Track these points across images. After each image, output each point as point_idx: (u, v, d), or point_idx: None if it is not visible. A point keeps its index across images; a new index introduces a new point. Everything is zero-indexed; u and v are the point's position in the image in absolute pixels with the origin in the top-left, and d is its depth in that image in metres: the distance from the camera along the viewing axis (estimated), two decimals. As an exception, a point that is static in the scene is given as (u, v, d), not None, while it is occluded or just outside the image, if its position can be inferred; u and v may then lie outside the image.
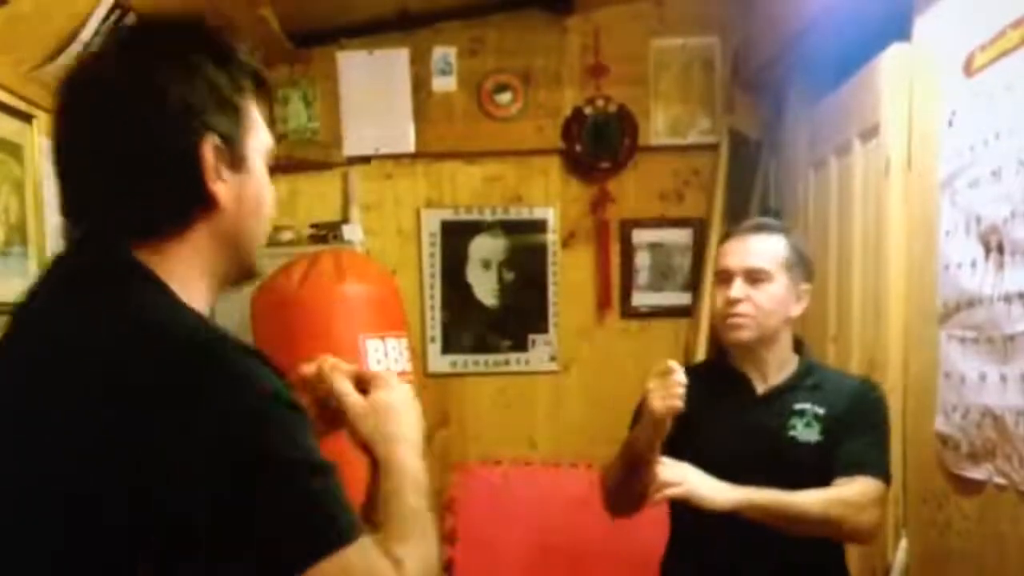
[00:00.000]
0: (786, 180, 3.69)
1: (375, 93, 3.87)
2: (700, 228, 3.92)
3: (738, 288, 2.11)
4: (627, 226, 3.95)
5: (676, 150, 3.94)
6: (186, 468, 0.94)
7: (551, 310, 3.97)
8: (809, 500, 1.97)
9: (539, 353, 3.97)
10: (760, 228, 2.22)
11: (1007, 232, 2.05)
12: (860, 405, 2.12)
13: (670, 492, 1.99)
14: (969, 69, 2.23)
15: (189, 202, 1.08)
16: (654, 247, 3.97)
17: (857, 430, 2.07)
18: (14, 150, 2.60)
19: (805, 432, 2.09)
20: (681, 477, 2.00)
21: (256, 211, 1.14)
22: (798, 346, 2.22)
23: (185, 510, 0.93)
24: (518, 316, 3.98)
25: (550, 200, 3.97)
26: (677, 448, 2.12)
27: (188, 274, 1.10)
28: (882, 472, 2.06)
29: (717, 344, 2.30)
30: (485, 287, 3.98)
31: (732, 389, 2.18)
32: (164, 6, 2.94)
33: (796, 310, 2.16)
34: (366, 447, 1.19)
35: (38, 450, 0.99)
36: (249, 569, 0.96)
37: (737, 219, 3.83)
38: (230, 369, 0.99)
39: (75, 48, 2.66)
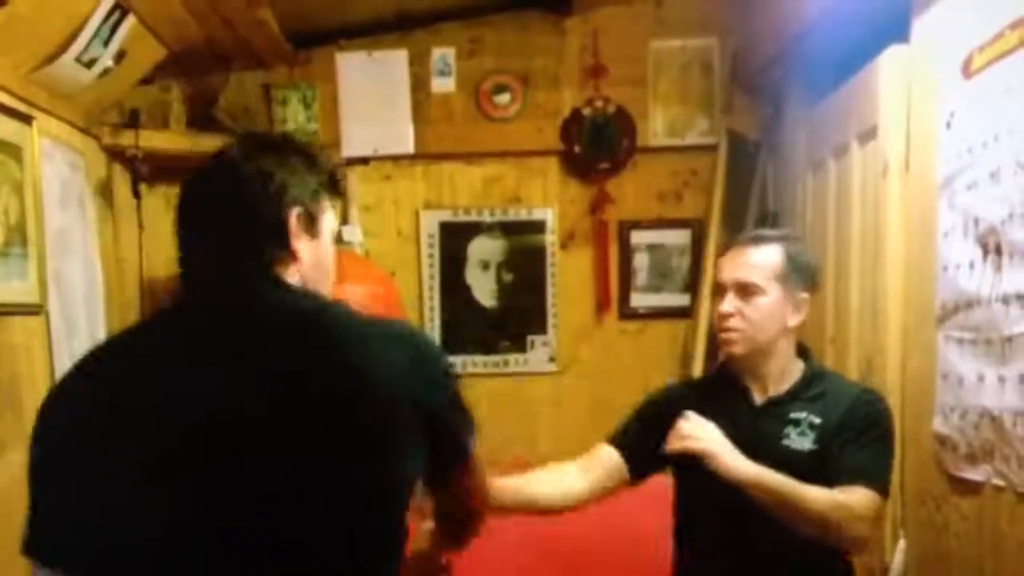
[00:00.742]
0: (784, 181, 3.70)
1: (374, 94, 3.88)
2: (699, 229, 3.92)
3: (729, 302, 2.12)
4: (626, 227, 3.96)
5: (675, 151, 3.94)
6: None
7: (550, 311, 3.98)
8: (816, 495, 1.97)
9: (538, 354, 3.97)
10: (757, 240, 2.20)
11: (1005, 233, 2.05)
12: (860, 414, 2.10)
13: (689, 445, 2.04)
14: (967, 71, 2.23)
15: (280, 251, 1.46)
16: (653, 248, 3.97)
17: (858, 440, 2.06)
18: (14, 151, 2.60)
19: (798, 440, 2.08)
20: (702, 434, 2.04)
21: (324, 272, 1.53)
22: (803, 353, 2.20)
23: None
24: (517, 317, 3.98)
25: (549, 201, 3.97)
26: (677, 460, 2.16)
27: None
28: (880, 484, 2.04)
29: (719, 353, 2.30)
30: (484, 288, 3.98)
31: (732, 400, 2.17)
32: (164, 10, 2.95)
33: (794, 320, 2.14)
34: None
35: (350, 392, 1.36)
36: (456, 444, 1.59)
37: (736, 220, 3.85)
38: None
39: (75, 49, 2.67)
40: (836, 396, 2.14)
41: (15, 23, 2.41)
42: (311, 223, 1.48)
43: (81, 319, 3.08)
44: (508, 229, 3.97)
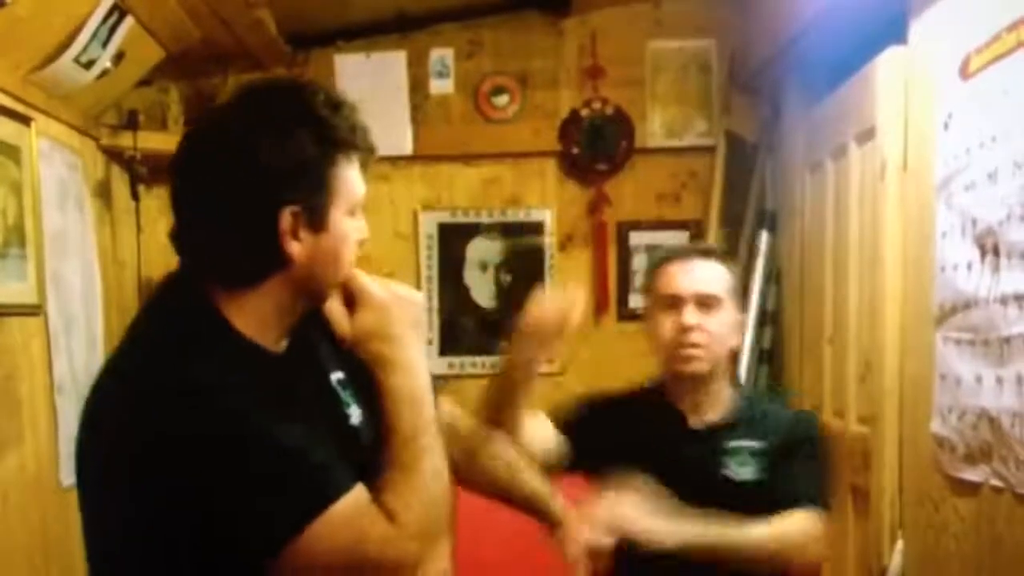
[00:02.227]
0: (783, 182, 3.70)
1: (372, 95, 3.86)
2: (697, 230, 3.92)
3: (691, 314, 1.99)
4: (624, 228, 3.96)
5: (673, 152, 3.94)
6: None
7: (548, 312, 3.97)
8: (753, 537, 1.88)
9: (536, 355, 3.97)
10: (707, 253, 2.12)
11: (1003, 234, 2.05)
12: (795, 436, 2.05)
13: (631, 533, 1.82)
14: (965, 72, 2.24)
15: (265, 260, 1.21)
16: (651, 249, 3.96)
17: (793, 463, 2.00)
18: (12, 152, 2.60)
19: (740, 471, 2.00)
20: (617, 518, 1.83)
21: (332, 263, 1.25)
22: (732, 379, 2.14)
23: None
24: (515, 318, 3.97)
25: (547, 202, 3.97)
26: (600, 479, 2.02)
27: (261, 316, 1.24)
28: (818, 504, 1.97)
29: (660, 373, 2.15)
30: (482, 289, 3.98)
31: (664, 424, 2.07)
32: (163, 11, 2.95)
33: (736, 340, 2.09)
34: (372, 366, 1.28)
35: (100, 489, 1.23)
36: (245, 543, 1.12)
37: (734, 221, 3.85)
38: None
39: (73, 51, 2.67)
40: (774, 420, 2.08)
41: (14, 24, 2.41)
42: (314, 217, 1.20)
43: (79, 320, 3.08)
44: (507, 230, 3.97)
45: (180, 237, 1.25)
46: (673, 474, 1.94)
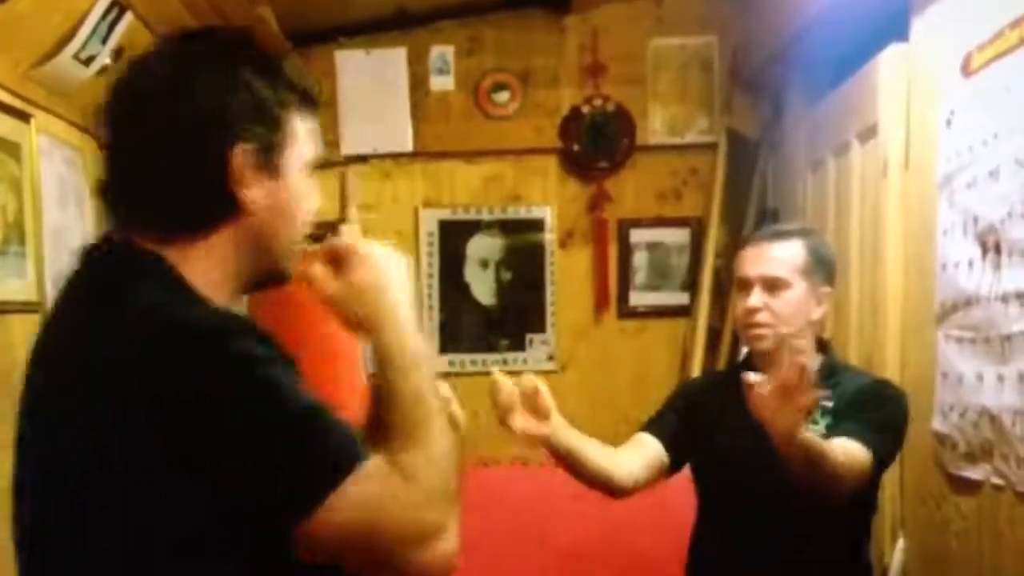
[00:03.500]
0: (784, 180, 3.69)
1: (373, 92, 3.87)
2: (698, 228, 3.92)
3: (756, 297, 2.11)
4: (625, 226, 3.95)
5: (674, 150, 3.94)
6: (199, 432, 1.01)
7: (549, 310, 3.97)
8: (833, 446, 1.94)
9: (537, 353, 3.97)
10: (777, 235, 2.21)
11: (1004, 232, 2.05)
12: (866, 394, 2.11)
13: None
14: (967, 69, 2.23)
15: (214, 205, 1.12)
16: (652, 247, 3.97)
17: (858, 414, 2.05)
18: (12, 149, 2.60)
19: (812, 428, 2.06)
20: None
21: (289, 218, 1.17)
22: (822, 347, 2.21)
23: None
24: (516, 315, 3.98)
25: (548, 199, 3.97)
26: (696, 448, 2.21)
27: (211, 275, 1.14)
28: (873, 448, 1.99)
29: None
30: (483, 286, 3.98)
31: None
32: (163, 7, 2.95)
33: (817, 313, 2.15)
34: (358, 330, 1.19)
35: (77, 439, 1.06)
36: (267, 512, 1.02)
37: (735, 219, 3.85)
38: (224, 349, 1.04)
39: (73, 47, 2.66)
40: (851, 382, 2.15)
41: (13, 21, 2.41)
42: (268, 159, 1.13)
43: (79, 317, 3.07)
44: (507, 227, 3.96)
45: (116, 191, 1.15)
46: (754, 434, 2.01)
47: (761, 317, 2.11)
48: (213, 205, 1.12)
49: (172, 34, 1.19)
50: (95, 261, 1.16)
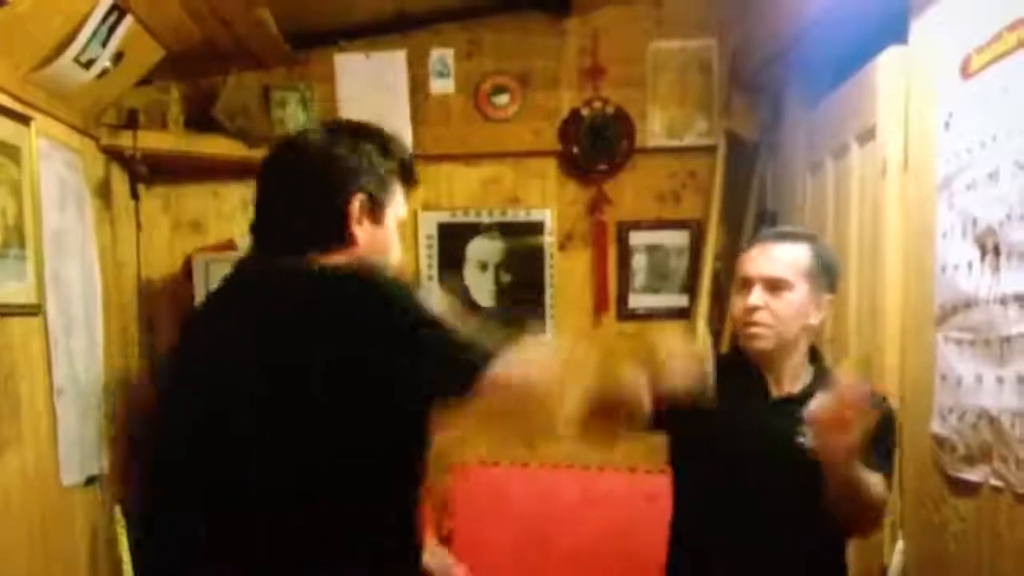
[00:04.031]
0: (783, 182, 3.70)
1: (373, 95, 3.87)
2: (697, 230, 3.92)
3: (756, 296, 2.11)
4: (624, 228, 3.96)
5: (673, 152, 3.94)
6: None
7: (548, 312, 3.98)
8: (875, 481, 1.99)
9: (536, 355, 3.96)
10: (783, 236, 2.21)
11: (1003, 234, 2.05)
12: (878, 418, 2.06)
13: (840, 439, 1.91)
14: (966, 71, 2.23)
15: (336, 236, 1.55)
16: (651, 249, 3.97)
17: (875, 444, 2.03)
18: (12, 152, 2.60)
19: (802, 439, 2.06)
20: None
21: (383, 254, 1.59)
22: (814, 355, 2.20)
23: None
24: (515, 318, 3.98)
25: (547, 202, 3.97)
26: (691, 434, 2.16)
27: None
28: (889, 478, 2.07)
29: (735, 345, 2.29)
30: (482, 289, 3.98)
31: (748, 389, 2.17)
32: (163, 10, 2.95)
33: (815, 319, 2.15)
34: None
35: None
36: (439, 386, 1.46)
37: (734, 221, 3.86)
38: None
39: (73, 50, 2.67)
40: None
41: (13, 24, 2.41)
42: (375, 209, 1.56)
43: (79, 319, 3.08)
44: (506, 230, 3.97)
45: (270, 224, 1.59)
46: (752, 438, 2.08)
47: (760, 316, 2.11)
48: (335, 236, 1.55)
49: (325, 122, 1.71)
50: (262, 271, 1.57)
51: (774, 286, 2.11)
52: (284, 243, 1.56)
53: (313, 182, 1.56)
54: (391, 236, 1.61)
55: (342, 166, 1.56)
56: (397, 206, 1.62)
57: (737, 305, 2.18)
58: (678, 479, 2.26)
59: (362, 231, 1.55)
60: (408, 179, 1.64)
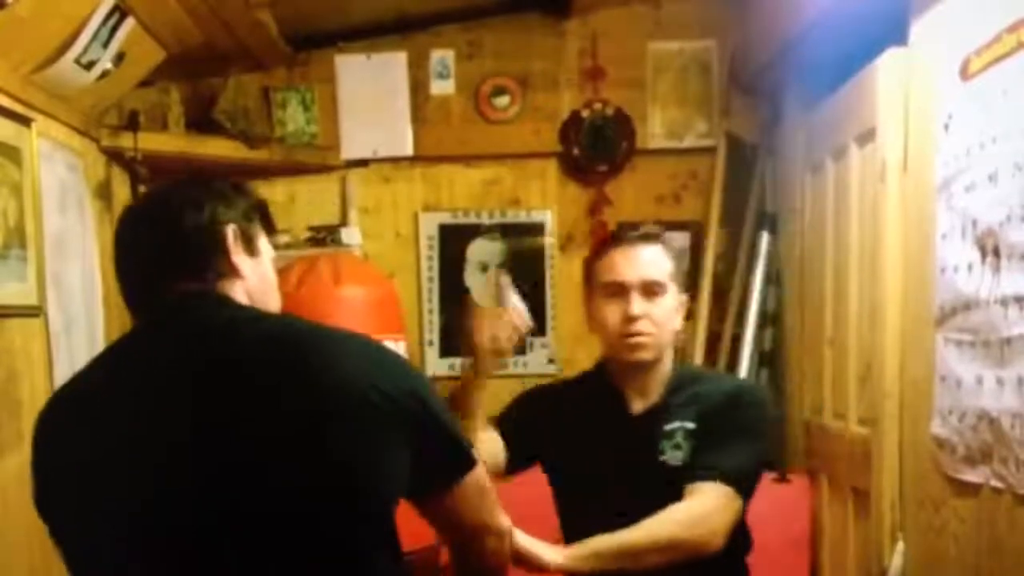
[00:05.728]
0: (783, 184, 3.70)
1: (373, 96, 3.88)
2: (697, 231, 3.92)
3: (638, 304, 1.97)
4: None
5: (673, 153, 3.94)
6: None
7: (549, 313, 3.98)
8: (657, 533, 1.85)
9: (537, 356, 3.97)
10: (648, 238, 2.05)
11: (1003, 235, 2.05)
12: (725, 410, 1.99)
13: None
14: (965, 73, 2.24)
15: (220, 268, 1.46)
16: (652, 250, 3.97)
17: (719, 435, 1.95)
18: (12, 153, 2.60)
19: (673, 455, 1.96)
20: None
21: (269, 285, 1.53)
22: (676, 360, 2.10)
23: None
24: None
25: (548, 203, 3.98)
26: (549, 466, 2.10)
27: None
28: (729, 475, 1.90)
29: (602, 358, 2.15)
30: (483, 290, 3.98)
31: (606, 408, 2.06)
32: (163, 12, 2.95)
33: (679, 322, 2.05)
34: None
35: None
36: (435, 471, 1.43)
37: (735, 222, 3.86)
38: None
39: (74, 51, 2.67)
40: (706, 397, 2.02)
41: (14, 25, 2.41)
42: (248, 242, 1.49)
43: (80, 321, 3.08)
44: (507, 231, 3.97)
45: (152, 270, 1.52)
46: (614, 459, 1.96)
47: (643, 325, 1.97)
48: (221, 268, 1.47)
49: (172, 180, 1.58)
50: (193, 305, 1.48)
51: (651, 291, 1.98)
52: (173, 291, 1.48)
53: (186, 223, 1.46)
54: (270, 269, 1.54)
55: (206, 205, 1.47)
56: (265, 244, 1.54)
57: (611, 315, 1.99)
58: (557, 505, 2.14)
59: (243, 262, 1.46)
60: (266, 220, 1.56)
